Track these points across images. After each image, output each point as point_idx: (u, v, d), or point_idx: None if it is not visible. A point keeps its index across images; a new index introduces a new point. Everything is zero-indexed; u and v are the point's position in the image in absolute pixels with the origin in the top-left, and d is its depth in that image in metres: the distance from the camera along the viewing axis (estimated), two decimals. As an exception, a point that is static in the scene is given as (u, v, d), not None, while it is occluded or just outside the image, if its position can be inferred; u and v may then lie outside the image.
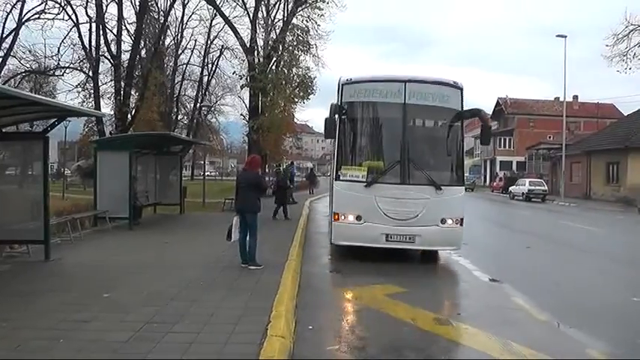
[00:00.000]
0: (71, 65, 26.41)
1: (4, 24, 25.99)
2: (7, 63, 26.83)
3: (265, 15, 29.94)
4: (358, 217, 9.30)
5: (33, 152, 9.38)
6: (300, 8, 28.49)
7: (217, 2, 30.52)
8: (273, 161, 35.43)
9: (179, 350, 4.58)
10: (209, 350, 4.61)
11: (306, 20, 28.79)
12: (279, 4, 30.16)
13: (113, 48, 25.10)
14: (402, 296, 7.20)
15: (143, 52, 29.46)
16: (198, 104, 47.24)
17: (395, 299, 7.04)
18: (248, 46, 28.84)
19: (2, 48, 26.02)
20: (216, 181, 50.39)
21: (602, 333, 5.86)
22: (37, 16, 25.74)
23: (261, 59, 28.77)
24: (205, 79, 46.59)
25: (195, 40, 44.53)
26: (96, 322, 5.35)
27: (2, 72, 26.79)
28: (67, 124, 33.91)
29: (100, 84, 26.10)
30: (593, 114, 55.96)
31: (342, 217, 9.45)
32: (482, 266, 9.51)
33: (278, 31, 29.26)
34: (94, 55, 25.16)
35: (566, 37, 33.73)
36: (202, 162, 42.97)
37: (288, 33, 28.51)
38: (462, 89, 9.59)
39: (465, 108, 9.61)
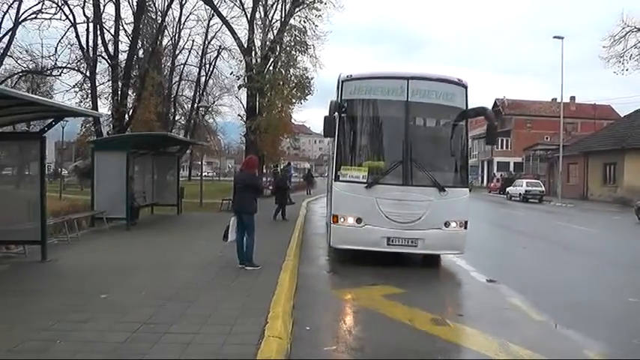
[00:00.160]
0: (68, 65, 26.42)
1: (1, 23, 26.02)
2: (4, 63, 26.87)
3: (263, 15, 29.98)
4: (358, 220, 8.97)
5: (30, 152, 9.34)
6: (297, 9, 28.54)
7: (215, 2, 30.55)
8: (270, 162, 35.45)
9: (176, 351, 4.57)
10: (206, 351, 4.61)
11: (304, 21, 28.89)
12: (277, 4, 30.25)
13: (110, 48, 25.13)
14: (399, 297, 7.20)
15: (141, 52, 29.44)
16: (195, 104, 47.21)
17: (392, 300, 7.05)
18: (245, 46, 28.87)
19: (-1, 47, 26.00)
20: (214, 181, 50.40)
21: (599, 333, 5.88)
22: (34, 15, 25.77)
23: (258, 60, 28.80)
24: (203, 79, 46.68)
25: (193, 41, 44.62)
26: (93, 323, 5.33)
27: (-1, 72, 26.80)
28: (65, 125, 33.66)
29: (97, 84, 26.18)
30: (590, 115, 56.14)
31: (342, 220, 9.11)
32: (479, 267, 9.51)
33: (275, 31, 29.30)
34: (91, 55, 25.18)
35: (563, 38, 33.85)
36: (200, 162, 42.94)
37: (285, 33, 28.55)
38: (466, 87, 9.26)
39: (469, 107, 9.28)
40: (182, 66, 45.87)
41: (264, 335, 4.97)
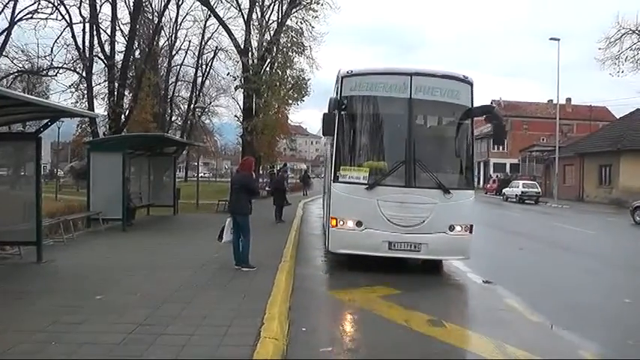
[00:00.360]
0: (64, 65, 26.31)
1: (-4, 23, 25.86)
2: (0, 63, 26.73)
3: (260, 16, 30.02)
4: (358, 223, 8.52)
5: (25, 153, 9.30)
6: (294, 10, 28.58)
7: (211, 3, 30.54)
8: (267, 163, 35.42)
9: (172, 352, 4.56)
10: (202, 352, 4.60)
11: (301, 22, 28.95)
12: (274, 5, 30.28)
13: (107, 48, 25.05)
14: (395, 298, 7.21)
15: (137, 52, 29.40)
16: (192, 105, 47.13)
17: (389, 301, 7.05)
18: (242, 47, 28.88)
19: (-6, 47, 25.86)
20: (210, 182, 50.32)
21: (594, 334, 5.91)
22: (29, 15, 25.63)
23: (255, 60, 28.82)
24: (199, 80, 46.51)
25: (190, 41, 44.65)
26: (88, 324, 5.31)
27: (-5, 72, 26.70)
28: (60, 125, 33.80)
29: (93, 84, 26.06)
30: (586, 117, 56.39)
31: (341, 223, 8.65)
32: (475, 268, 9.51)
33: (272, 32, 29.30)
34: (87, 56, 25.07)
35: (559, 40, 33.99)
36: (196, 163, 42.91)
37: (282, 34, 28.58)
38: (472, 84, 8.79)
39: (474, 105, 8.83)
40: (179, 67, 45.89)
41: (260, 336, 4.97)
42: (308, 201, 28.81)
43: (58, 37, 25.49)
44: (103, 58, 25.05)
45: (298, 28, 28.86)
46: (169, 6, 33.09)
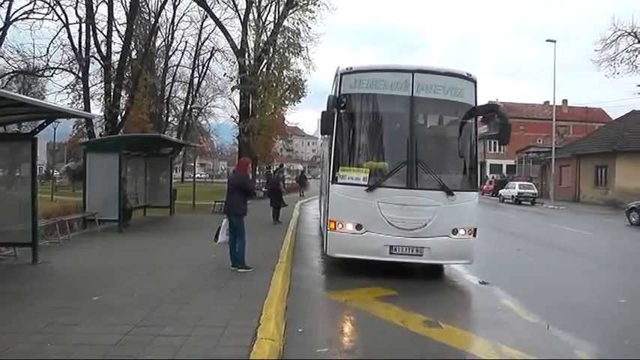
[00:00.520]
0: (60, 66, 26.15)
1: (-9, 23, 25.72)
2: (-5, 63, 26.60)
3: (256, 17, 30.04)
4: (358, 226, 8.19)
5: (21, 153, 9.27)
6: (291, 11, 28.61)
7: (208, 4, 30.53)
8: (263, 163, 35.43)
9: (169, 353, 4.56)
10: (199, 353, 4.60)
11: (297, 23, 28.97)
12: (270, 6, 30.33)
13: (103, 49, 24.96)
14: (392, 299, 7.21)
15: (133, 53, 29.31)
16: (188, 106, 47.14)
17: (385, 302, 7.06)
18: (239, 48, 28.89)
19: (-11, 47, 25.74)
20: (207, 183, 50.27)
21: (590, 334, 5.93)
22: (25, 15, 25.45)
23: (251, 61, 28.84)
24: (196, 80, 46.57)
25: (186, 42, 44.52)
26: (85, 326, 5.30)
27: (-10, 72, 26.57)
28: (57, 126, 33.48)
29: (89, 85, 25.96)
30: (583, 118, 56.56)
31: (340, 226, 8.30)
32: (472, 268, 9.47)
33: (269, 33, 29.34)
34: (83, 56, 24.99)
35: (555, 41, 34.06)
36: (192, 164, 42.84)
37: (279, 35, 28.62)
38: (475, 82, 8.45)
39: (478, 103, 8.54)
40: (175, 67, 45.80)
41: (256, 337, 4.97)
42: (304, 202, 28.79)
43: (54, 38, 25.37)
44: (99, 58, 24.95)
45: (295, 28, 28.93)
46: (166, 6, 33.05)
